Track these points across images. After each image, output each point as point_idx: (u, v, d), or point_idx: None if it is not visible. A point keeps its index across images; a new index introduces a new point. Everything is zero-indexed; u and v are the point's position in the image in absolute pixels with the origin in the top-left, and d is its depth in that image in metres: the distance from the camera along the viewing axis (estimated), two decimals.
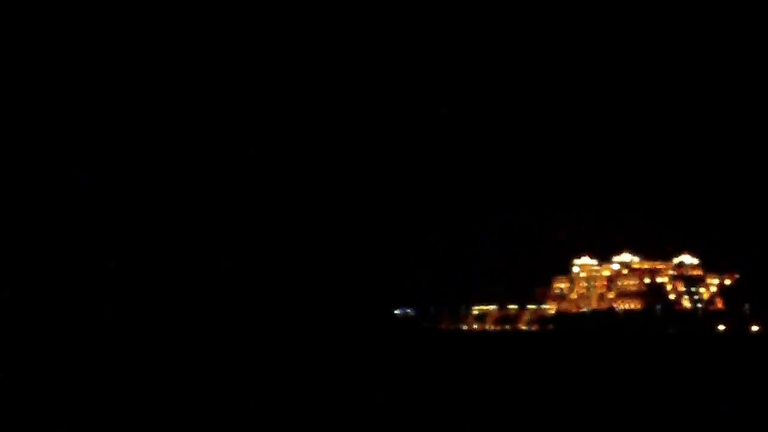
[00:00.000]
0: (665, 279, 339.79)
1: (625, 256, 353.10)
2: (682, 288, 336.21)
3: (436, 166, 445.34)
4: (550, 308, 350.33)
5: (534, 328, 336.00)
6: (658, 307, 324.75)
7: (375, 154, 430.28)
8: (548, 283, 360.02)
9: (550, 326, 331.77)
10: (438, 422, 41.33)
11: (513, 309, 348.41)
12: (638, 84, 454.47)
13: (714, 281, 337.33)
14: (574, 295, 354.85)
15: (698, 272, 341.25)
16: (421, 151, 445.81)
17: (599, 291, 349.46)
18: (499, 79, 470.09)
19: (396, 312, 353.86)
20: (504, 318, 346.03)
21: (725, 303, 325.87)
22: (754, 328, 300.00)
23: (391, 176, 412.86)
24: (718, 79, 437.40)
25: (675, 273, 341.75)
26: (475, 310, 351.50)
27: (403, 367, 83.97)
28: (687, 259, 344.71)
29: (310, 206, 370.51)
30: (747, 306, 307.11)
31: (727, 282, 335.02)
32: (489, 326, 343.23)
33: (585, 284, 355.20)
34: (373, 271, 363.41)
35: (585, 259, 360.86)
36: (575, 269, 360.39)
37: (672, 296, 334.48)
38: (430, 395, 54.47)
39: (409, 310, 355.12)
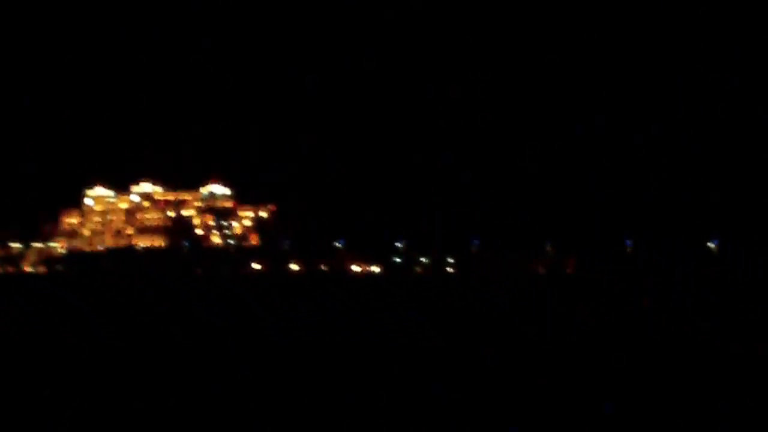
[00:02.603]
0: (192, 212, 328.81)
1: (146, 186, 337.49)
2: (211, 222, 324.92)
3: None
4: (60, 246, 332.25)
5: (41, 269, 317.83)
6: (185, 243, 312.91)
7: None
8: (57, 218, 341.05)
9: (59, 267, 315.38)
10: None
11: (16, 248, 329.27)
12: None
13: (248, 214, 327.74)
14: (87, 232, 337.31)
15: (229, 204, 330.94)
16: None
17: (116, 226, 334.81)
18: None
19: None
20: (6, 258, 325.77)
21: (260, 239, 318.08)
22: (294, 267, 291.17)
23: None
24: None
25: (203, 205, 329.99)
26: None
27: None
28: (217, 189, 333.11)
29: None
30: (286, 242, 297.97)
31: (263, 215, 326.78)
32: None
33: (99, 219, 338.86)
34: None
35: (99, 190, 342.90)
36: (87, 201, 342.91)
37: (200, 231, 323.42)
38: None
39: None
